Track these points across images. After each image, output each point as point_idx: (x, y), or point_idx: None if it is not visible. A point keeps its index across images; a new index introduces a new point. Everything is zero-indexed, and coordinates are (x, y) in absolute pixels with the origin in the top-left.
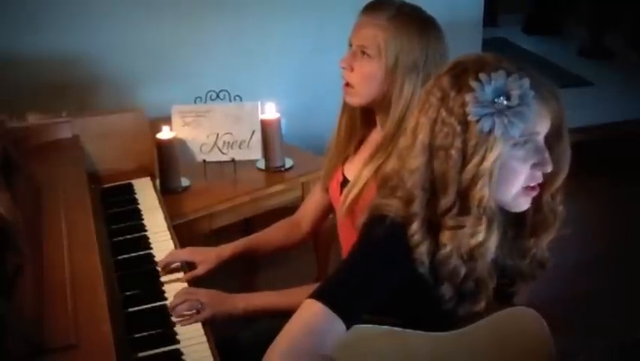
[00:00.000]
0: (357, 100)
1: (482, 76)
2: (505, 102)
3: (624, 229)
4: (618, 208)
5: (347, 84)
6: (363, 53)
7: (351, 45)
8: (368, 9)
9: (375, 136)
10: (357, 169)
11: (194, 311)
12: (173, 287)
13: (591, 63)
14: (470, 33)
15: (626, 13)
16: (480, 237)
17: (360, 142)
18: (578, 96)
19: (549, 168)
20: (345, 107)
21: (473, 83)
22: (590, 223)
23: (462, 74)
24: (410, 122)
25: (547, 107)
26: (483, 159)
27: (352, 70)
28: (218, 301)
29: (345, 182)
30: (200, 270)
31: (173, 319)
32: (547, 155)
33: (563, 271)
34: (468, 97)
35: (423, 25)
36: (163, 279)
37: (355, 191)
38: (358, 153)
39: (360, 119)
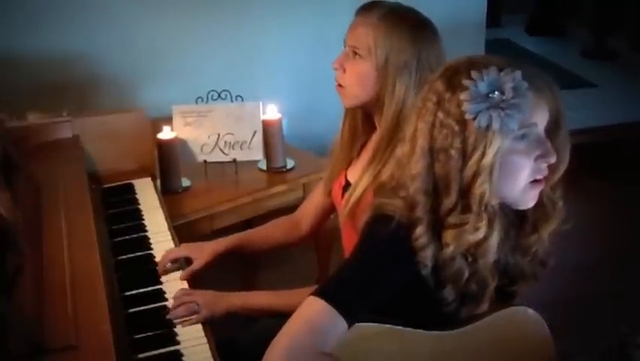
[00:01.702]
0: (350, 101)
1: (474, 74)
2: (499, 96)
3: (626, 231)
4: (620, 210)
5: (339, 85)
6: (355, 53)
7: (345, 46)
8: (362, 9)
9: (376, 139)
10: (358, 172)
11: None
12: (174, 288)
13: (594, 64)
14: (473, 34)
15: (629, 15)
16: (481, 233)
17: (363, 146)
18: (581, 98)
19: (553, 159)
20: (347, 111)
21: (466, 82)
22: (591, 225)
23: (454, 75)
24: (408, 130)
25: (543, 98)
26: (483, 154)
27: (344, 71)
28: (215, 301)
29: (347, 185)
30: (196, 264)
31: (173, 321)
32: (549, 145)
33: (563, 272)
34: (463, 96)
35: (415, 25)
36: (163, 279)
37: (356, 195)
38: (360, 157)
39: (362, 123)
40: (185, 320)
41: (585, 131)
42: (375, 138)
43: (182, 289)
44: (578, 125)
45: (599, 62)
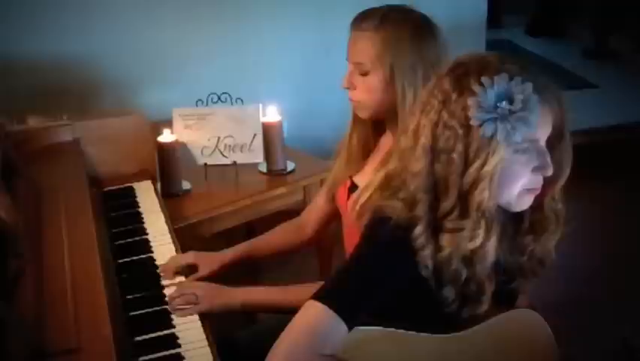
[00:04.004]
0: (366, 113)
1: (484, 80)
2: (507, 107)
3: (628, 233)
4: (622, 211)
5: (351, 100)
6: (361, 69)
7: (349, 63)
8: (355, 22)
9: (385, 142)
10: (366, 175)
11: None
12: None
13: (595, 65)
14: (474, 34)
15: (631, 15)
16: (478, 240)
17: (371, 150)
18: (582, 98)
19: (550, 172)
20: (355, 124)
21: (475, 87)
22: (593, 226)
23: (463, 76)
24: (411, 123)
25: (550, 111)
26: (484, 163)
27: (355, 88)
28: (216, 294)
29: (353, 187)
30: (202, 272)
31: (171, 313)
32: (548, 159)
33: (565, 274)
34: (470, 101)
35: (412, 27)
36: (164, 283)
37: (366, 195)
38: (368, 161)
39: (373, 131)
40: (183, 309)
41: (586, 132)
42: (385, 141)
43: (183, 281)
44: (579, 126)
45: (600, 63)
